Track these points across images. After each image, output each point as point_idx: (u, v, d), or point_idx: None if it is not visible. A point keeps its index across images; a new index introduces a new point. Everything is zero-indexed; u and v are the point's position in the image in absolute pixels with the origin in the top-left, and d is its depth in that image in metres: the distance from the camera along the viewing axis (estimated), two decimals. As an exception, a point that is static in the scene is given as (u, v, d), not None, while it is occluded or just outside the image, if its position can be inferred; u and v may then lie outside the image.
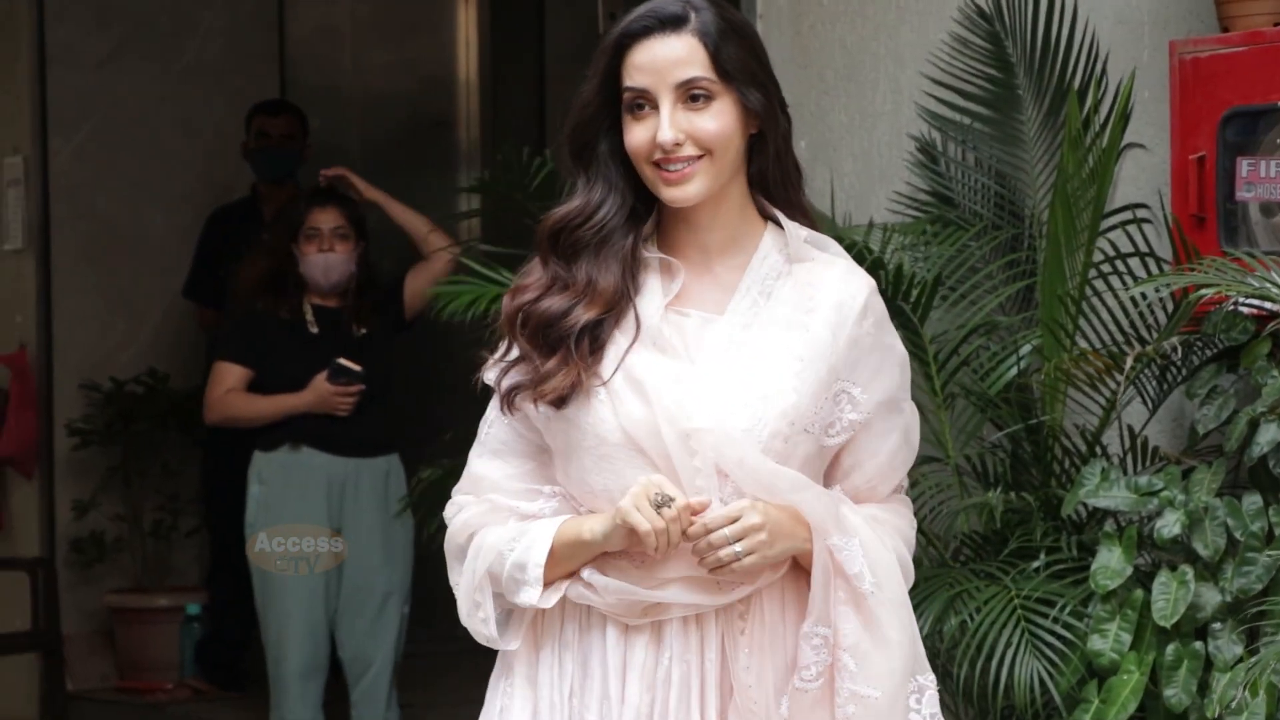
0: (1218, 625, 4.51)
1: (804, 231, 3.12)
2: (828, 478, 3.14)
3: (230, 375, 6.93)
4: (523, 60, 9.87)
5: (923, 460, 5.17)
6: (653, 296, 3.06)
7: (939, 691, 5.00)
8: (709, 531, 2.96)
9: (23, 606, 8.52)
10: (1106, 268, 5.04)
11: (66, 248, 8.89)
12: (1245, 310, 4.63)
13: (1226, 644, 4.49)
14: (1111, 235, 5.05)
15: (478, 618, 3.08)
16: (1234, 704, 4.35)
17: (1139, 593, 4.59)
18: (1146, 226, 5.06)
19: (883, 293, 4.96)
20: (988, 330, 5.11)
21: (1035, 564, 4.81)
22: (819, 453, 3.08)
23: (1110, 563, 4.63)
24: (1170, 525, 4.56)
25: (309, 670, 6.89)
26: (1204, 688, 4.48)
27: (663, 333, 3.04)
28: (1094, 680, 4.61)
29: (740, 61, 3.05)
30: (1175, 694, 4.50)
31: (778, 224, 3.12)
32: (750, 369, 3.02)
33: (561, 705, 3.05)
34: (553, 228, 3.09)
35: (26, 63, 8.99)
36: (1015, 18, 5.33)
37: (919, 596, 4.81)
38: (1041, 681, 4.59)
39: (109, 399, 8.87)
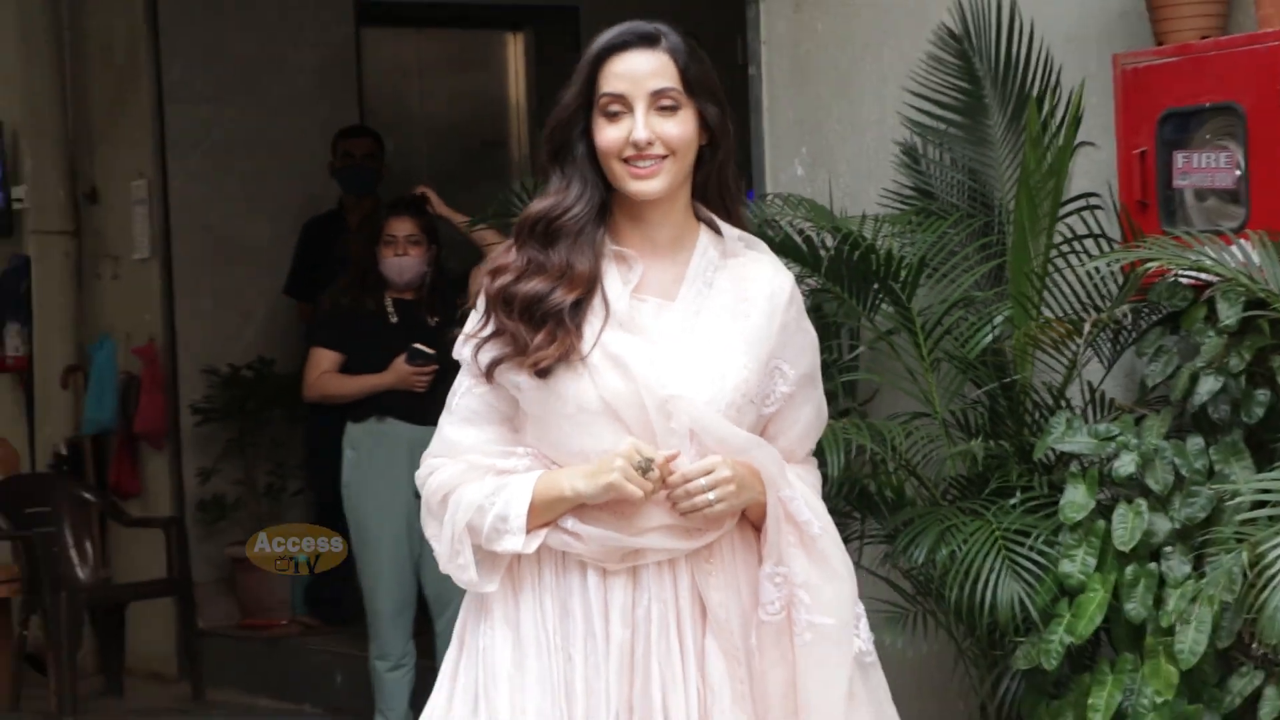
0: (1169, 549, 4.51)
1: (736, 231, 3.12)
2: None
3: (325, 359, 6.96)
4: (562, 82, 9.85)
5: (914, 415, 5.17)
6: (615, 283, 3.03)
7: (934, 614, 5.03)
8: (687, 482, 2.95)
9: (159, 559, 8.55)
10: (1065, 248, 5.03)
11: (185, 255, 8.91)
12: (1184, 280, 4.64)
13: (1177, 565, 4.48)
14: (1069, 220, 5.03)
15: (457, 564, 3.03)
16: (1184, 615, 4.36)
17: (1101, 523, 4.58)
18: (1098, 212, 5.05)
19: (875, 273, 5.03)
20: (966, 304, 5.09)
21: (1012, 501, 4.80)
22: (757, 421, 3.09)
23: (1076, 498, 4.62)
24: (1126, 465, 4.57)
25: (399, 607, 6.91)
26: (1159, 602, 4.48)
27: (630, 316, 3.02)
28: (1065, 598, 4.60)
29: (702, 79, 3.06)
30: (1134, 607, 4.49)
31: (710, 225, 3.10)
32: (706, 350, 3.02)
33: (546, 641, 3.00)
34: (534, 219, 3.05)
35: (147, 99, 9.00)
36: (981, 38, 5.31)
37: (914, 532, 4.81)
38: (1021, 601, 4.57)
39: (225, 382, 8.91)
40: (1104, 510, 4.63)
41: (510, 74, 9.88)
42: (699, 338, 3.02)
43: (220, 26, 9.02)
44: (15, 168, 9.60)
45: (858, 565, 5.32)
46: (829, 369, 5.41)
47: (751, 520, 3.06)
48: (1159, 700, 4.39)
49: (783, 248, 5.25)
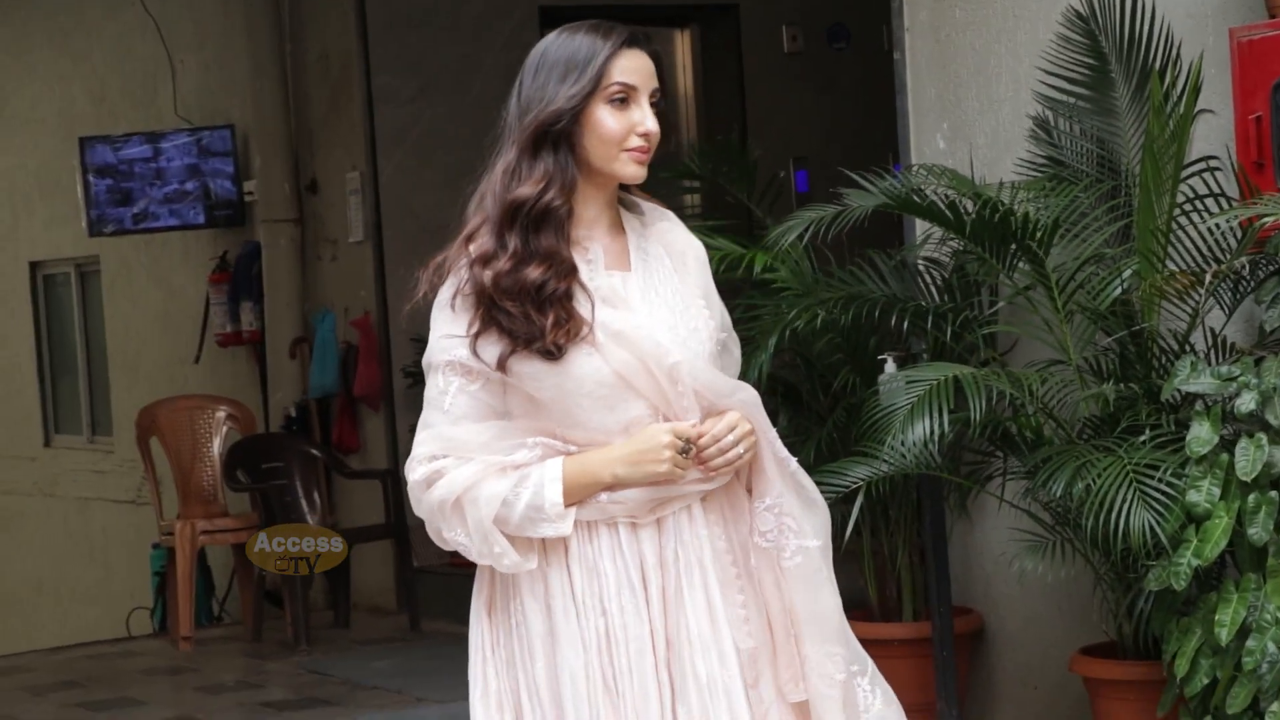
0: (1288, 478, 4.42)
1: (647, 203, 3.05)
2: None
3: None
4: (725, 75, 9.82)
5: (1050, 363, 5.10)
6: (582, 266, 2.94)
7: (1072, 542, 4.97)
8: (717, 443, 2.91)
9: (378, 506, 8.64)
10: (1188, 207, 4.94)
11: (394, 238, 8.98)
12: (1299, 233, 4.53)
13: (1296, 492, 4.40)
14: (1190, 181, 4.95)
15: (493, 554, 2.88)
16: (1304, 538, 4.29)
17: (1224, 456, 4.50)
18: (1218, 173, 4.96)
19: (1013, 235, 4.97)
20: (1096, 260, 5.01)
21: (1142, 438, 4.73)
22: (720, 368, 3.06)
23: (1201, 434, 4.54)
24: (1247, 402, 4.48)
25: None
26: (1278, 526, 4.39)
27: (613, 291, 2.94)
28: (1192, 525, 4.52)
29: (666, 87, 3.03)
30: (1256, 532, 4.41)
31: (620, 202, 3.04)
32: (672, 310, 2.96)
33: (575, 605, 2.92)
34: (521, 205, 2.91)
35: (359, 102, 9.09)
36: (1107, 18, 5.22)
37: (1052, 468, 4.74)
38: (1151, 528, 4.50)
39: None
40: (1227, 444, 4.54)
41: (677, 66, 9.85)
42: (663, 299, 2.97)
43: (422, 37, 9.08)
44: (246, 165, 9.74)
45: (1001, 500, 5.33)
46: (971, 323, 5.36)
47: None
48: (1281, 615, 4.31)
49: (929, 212, 5.21)
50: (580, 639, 2.91)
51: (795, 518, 2.96)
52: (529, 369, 2.88)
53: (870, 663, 3.07)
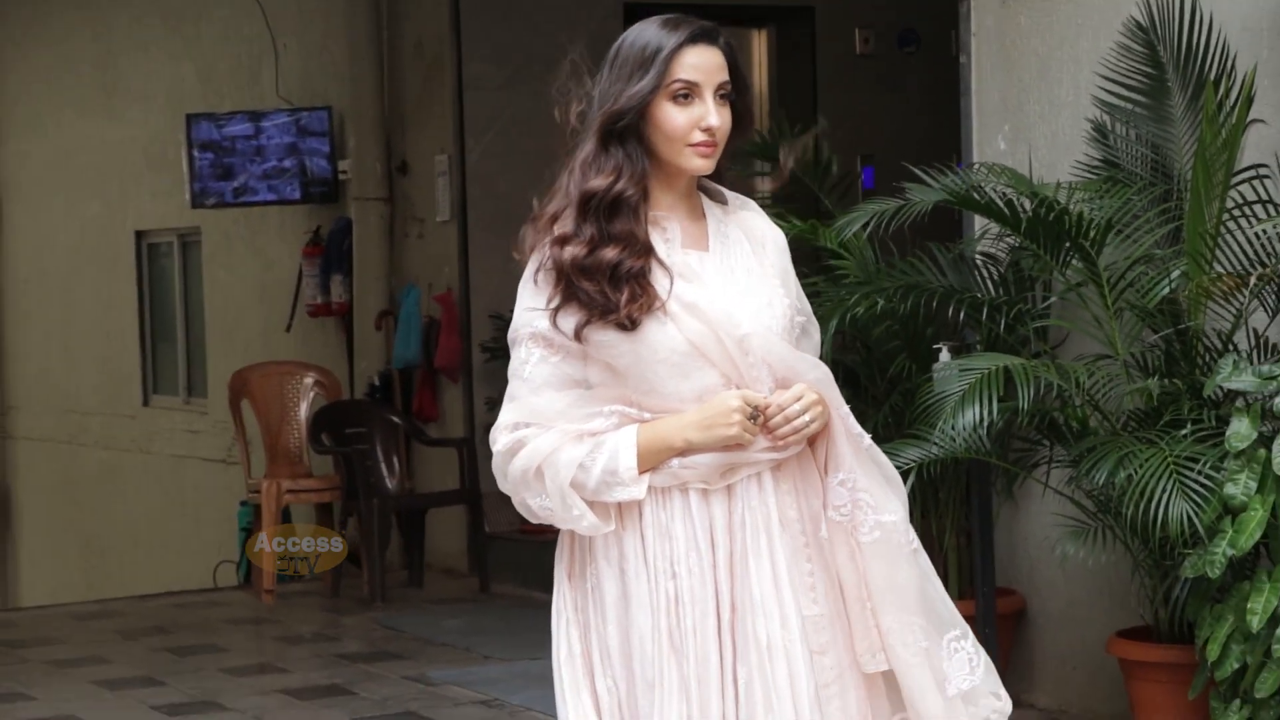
0: (1323, 474, 4.40)
1: (727, 191, 3.06)
2: None
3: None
4: (800, 74, 9.82)
5: (1097, 356, 5.09)
6: (659, 244, 2.96)
7: (1113, 529, 4.96)
8: (783, 412, 2.90)
9: (453, 473, 8.70)
10: (1236, 212, 4.93)
11: (479, 219, 9.03)
12: (1342, 240, 4.50)
13: (1330, 488, 4.38)
14: (1240, 188, 4.93)
15: (572, 516, 2.89)
16: (1335, 532, 4.27)
17: (1262, 451, 4.49)
18: (1267, 180, 4.95)
19: (1067, 233, 4.97)
20: (1146, 260, 5.01)
21: (1183, 432, 4.72)
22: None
23: (1241, 429, 4.53)
24: (1286, 401, 4.46)
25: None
26: (1312, 521, 4.38)
27: (687, 266, 2.95)
28: (1228, 516, 4.51)
29: (743, 77, 3.00)
30: (1290, 525, 4.40)
31: (703, 189, 3.03)
32: (748, 287, 2.96)
33: (648, 568, 2.92)
34: (596, 195, 2.93)
35: (449, 88, 9.14)
36: (1165, 29, 5.20)
37: (1096, 458, 4.74)
38: (1188, 518, 4.50)
39: (509, 326, 8.97)
40: (1265, 440, 4.53)
41: (755, 65, 9.85)
42: (739, 277, 2.97)
43: (511, 26, 9.11)
44: (341, 145, 9.81)
45: (1045, 486, 5.33)
46: (1024, 317, 5.36)
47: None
48: (1310, 606, 4.29)
49: (987, 209, 5.21)
50: (650, 601, 2.91)
51: (871, 493, 2.95)
52: (606, 338, 2.90)
53: (970, 630, 3.03)
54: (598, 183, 2.94)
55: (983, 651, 3.02)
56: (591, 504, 2.90)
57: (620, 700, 2.94)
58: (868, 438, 2.98)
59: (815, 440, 2.97)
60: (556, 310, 2.93)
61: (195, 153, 9.91)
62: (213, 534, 11.00)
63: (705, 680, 2.89)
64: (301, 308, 10.11)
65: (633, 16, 9.44)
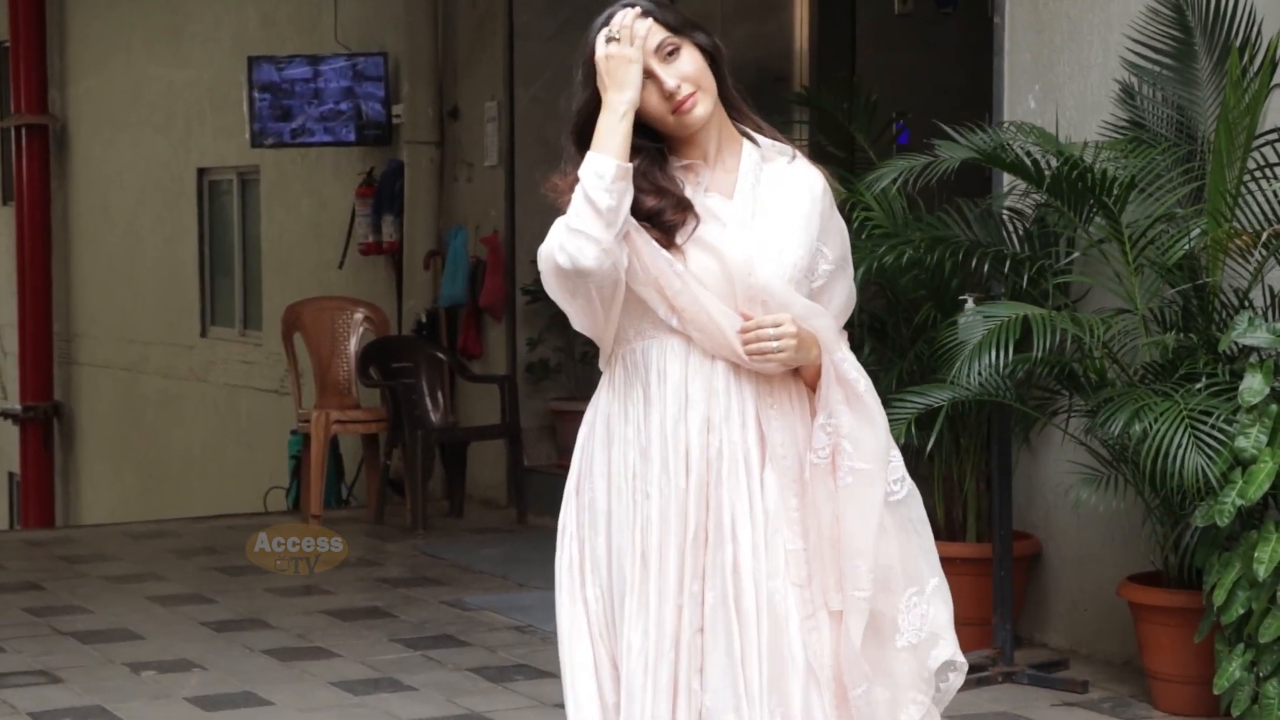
0: (1331, 430, 4.38)
1: (769, 141, 3.03)
2: None
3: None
4: (839, 33, 9.75)
5: (1117, 311, 5.07)
6: (690, 190, 2.97)
7: (1127, 477, 4.95)
8: (759, 328, 2.91)
9: (495, 408, 8.72)
10: (1258, 174, 4.89)
11: (525, 164, 9.01)
12: (1359, 203, 4.46)
13: (1337, 443, 4.36)
14: (1262, 150, 4.89)
15: (580, 230, 2.85)
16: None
17: (1274, 406, 4.48)
18: (1287, 143, 4.89)
19: (1091, 191, 4.93)
20: (1168, 219, 4.97)
21: (1198, 386, 4.70)
22: (808, 294, 3.01)
23: (1254, 384, 4.51)
24: (1298, 358, 4.43)
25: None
26: (1319, 474, 4.36)
27: (709, 209, 2.96)
28: (1239, 468, 4.49)
29: (677, 18, 2.97)
30: (1298, 478, 4.38)
31: (747, 137, 3.02)
32: (766, 233, 2.95)
33: (628, 485, 2.96)
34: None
35: (500, 38, 9.12)
36: (1194, -6, 5.16)
37: (1113, 409, 4.72)
38: (1201, 469, 4.48)
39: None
40: (1277, 395, 4.51)
41: (796, 22, 9.78)
42: (759, 224, 2.97)
43: (562, -21, 9.10)
44: (395, 90, 9.80)
45: (1065, 434, 5.31)
46: (1046, 271, 5.34)
47: (806, 380, 3.00)
48: (1315, 556, 4.28)
49: (1013, 167, 5.18)
50: (629, 518, 2.95)
51: (852, 440, 2.95)
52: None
53: (934, 579, 3.00)
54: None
55: (936, 600, 2.99)
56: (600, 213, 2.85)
57: (605, 608, 2.99)
58: (864, 383, 2.97)
59: (816, 382, 2.98)
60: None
61: (256, 94, 9.93)
62: (264, 461, 11.07)
63: (664, 596, 2.92)
64: (353, 246, 10.13)
65: (678, -28, 9.41)
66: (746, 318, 2.93)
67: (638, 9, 2.95)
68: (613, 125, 2.90)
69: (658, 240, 2.93)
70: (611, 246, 2.87)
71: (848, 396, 2.97)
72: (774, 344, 2.92)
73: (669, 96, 2.93)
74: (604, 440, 3.00)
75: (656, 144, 2.97)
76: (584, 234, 2.87)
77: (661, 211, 2.93)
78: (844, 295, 3.07)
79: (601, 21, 2.95)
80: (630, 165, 2.89)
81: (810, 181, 3.02)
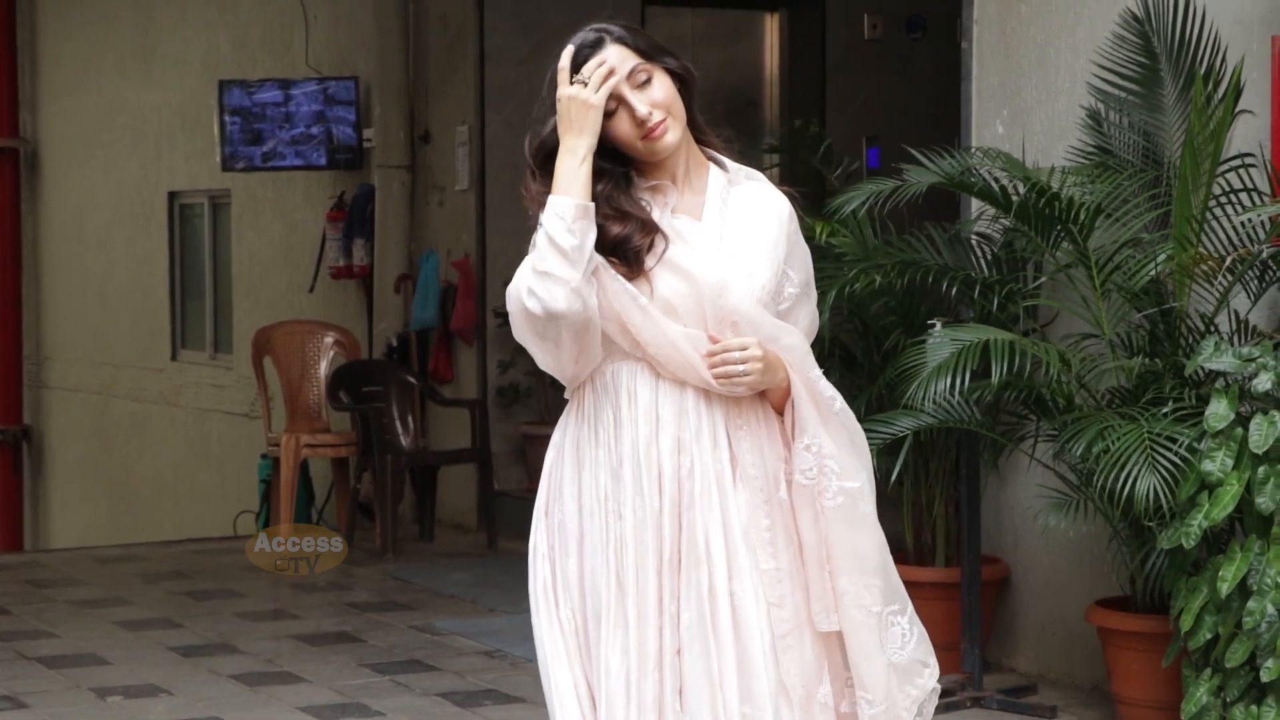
0: (1296, 454, 4.39)
1: (736, 165, 3.04)
2: None
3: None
4: (810, 57, 9.78)
5: (1083, 335, 5.08)
6: (658, 210, 2.97)
7: (1094, 500, 4.95)
8: (725, 351, 2.91)
9: (465, 432, 8.70)
10: (1223, 199, 4.91)
11: (497, 188, 9.01)
12: (1323, 229, 4.49)
13: (1302, 468, 4.37)
14: (1226, 176, 4.91)
15: (545, 273, 2.84)
16: (1306, 510, 4.27)
17: (1239, 430, 4.48)
18: (1252, 170, 4.92)
19: (1058, 217, 4.94)
20: (1134, 244, 4.99)
21: (1164, 410, 4.71)
22: (774, 316, 3.01)
23: (1220, 409, 4.52)
24: (1264, 382, 4.46)
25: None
26: (1284, 498, 4.37)
27: (677, 231, 2.96)
28: (1205, 491, 4.50)
29: (652, 47, 2.97)
30: (1264, 501, 4.40)
31: (715, 161, 3.03)
32: (735, 256, 2.96)
33: (600, 506, 2.96)
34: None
35: (472, 61, 9.11)
36: (1160, 21, 5.19)
37: (1077, 429, 4.73)
38: (1156, 492, 4.49)
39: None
40: (1242, 420, 4.52)
41: (766, 47, 9.82)
42: (728, 246, 2.97)
43: (533, 3, 9.08)
44: (367, 114, 9.79)
45: (1032, 458, 5.32)
46: (1015, 295, 5.35)
47: (772, 402, 3.00)
48: (1280, 580, 4.29)
49: (981, 192, 5.20)
50: (602, 539, 2.95)
51: (836, 459, 2.96)
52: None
53: (910, 604, 3.04)
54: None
55: (918, 626, 3.02)
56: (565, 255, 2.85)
57: (578, 628, 2.98)
58: (839, 401, 2.99)
59: (784, 405, 2.99)
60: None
61: (227, 118, 9.91)
62: (234, 485, 11.02)
63: (645, 616, 2.92)
64: (324, 269, 10.11)
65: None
66: (715, 340, 2.94)
67: (613, 34, 2.95)
68: (573, 170, 2.90)
69: (624, 271, 2.93)
70: (580, 285, 2.87)
71: (824, 416, 2.97)
72: (740, 368, 2.92)
73: (640, 123, 2.93)
74: (574, 462, 3.00)
75: (623, 167, 2.98)
76: (552, 276, 2.86)
77: (628, 238, 2.93)
78: (808, 319, 3.09)
79: (576, 45, 2.95)
80: (591, 204, 2.89)
81: (777, 205, 3.03)
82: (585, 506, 2.97)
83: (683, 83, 2.98)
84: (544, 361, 2.98)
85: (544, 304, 2.86)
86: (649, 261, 2.94)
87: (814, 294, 3.11)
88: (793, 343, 2.98)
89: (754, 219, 3.01)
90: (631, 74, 2.94)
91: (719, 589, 2.91)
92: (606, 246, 2.92)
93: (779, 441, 3.00)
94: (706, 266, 2.95)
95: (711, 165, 3.03)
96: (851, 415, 3.01)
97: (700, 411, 2.96)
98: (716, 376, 2.93)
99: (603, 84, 2.90)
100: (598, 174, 2.93)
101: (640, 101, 2.93)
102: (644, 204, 2.97)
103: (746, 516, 2.95)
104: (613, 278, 2.92)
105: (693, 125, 3.01)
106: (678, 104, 2.96)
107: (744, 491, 2.96)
